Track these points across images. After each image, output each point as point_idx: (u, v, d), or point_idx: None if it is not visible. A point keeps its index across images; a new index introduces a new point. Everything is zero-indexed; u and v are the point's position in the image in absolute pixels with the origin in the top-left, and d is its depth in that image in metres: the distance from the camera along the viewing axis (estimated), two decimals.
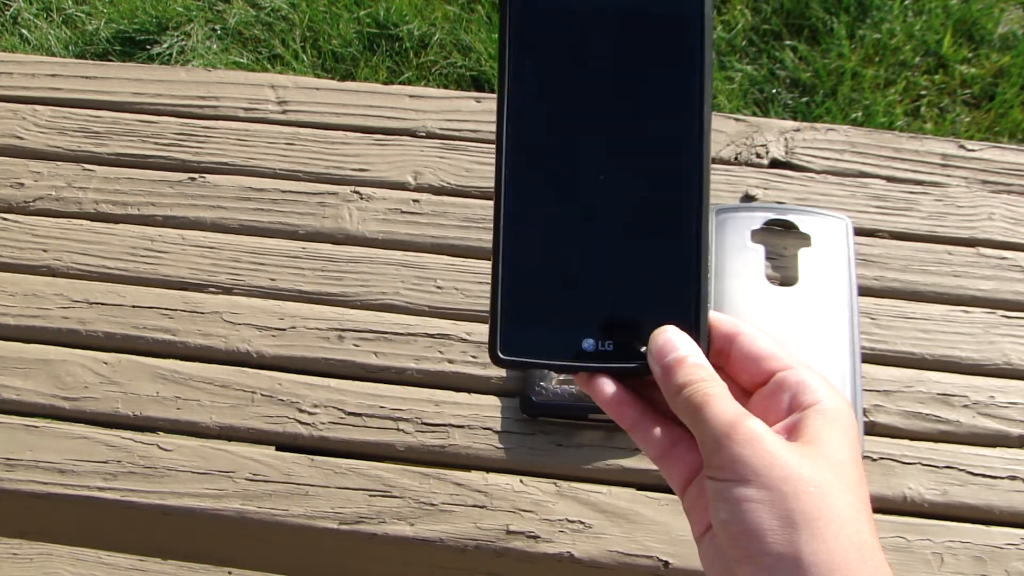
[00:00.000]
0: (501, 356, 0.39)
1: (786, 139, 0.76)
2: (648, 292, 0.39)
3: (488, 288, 0.39)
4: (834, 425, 0.36)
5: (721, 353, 0.39)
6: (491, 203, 0.72)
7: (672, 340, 0.38)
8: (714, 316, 0.40)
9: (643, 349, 0.38)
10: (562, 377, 0.63)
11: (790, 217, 0.70)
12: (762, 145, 0.76)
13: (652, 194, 0.39)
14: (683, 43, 0.39)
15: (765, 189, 0.73)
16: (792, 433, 0.36)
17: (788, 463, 0.34)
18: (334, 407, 0.64)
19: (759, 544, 0.33)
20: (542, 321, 0.39)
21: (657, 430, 0.39)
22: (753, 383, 0.39)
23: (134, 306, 0.69)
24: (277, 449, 0.63)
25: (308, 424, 0.64)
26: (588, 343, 0.39)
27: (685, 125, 0.39)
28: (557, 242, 0.39)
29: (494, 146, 0.39)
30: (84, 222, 0.74)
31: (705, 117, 0.39)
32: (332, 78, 1.60)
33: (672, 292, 0.39)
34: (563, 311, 0.39)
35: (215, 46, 1.73)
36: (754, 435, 0.35)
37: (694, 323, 0.38)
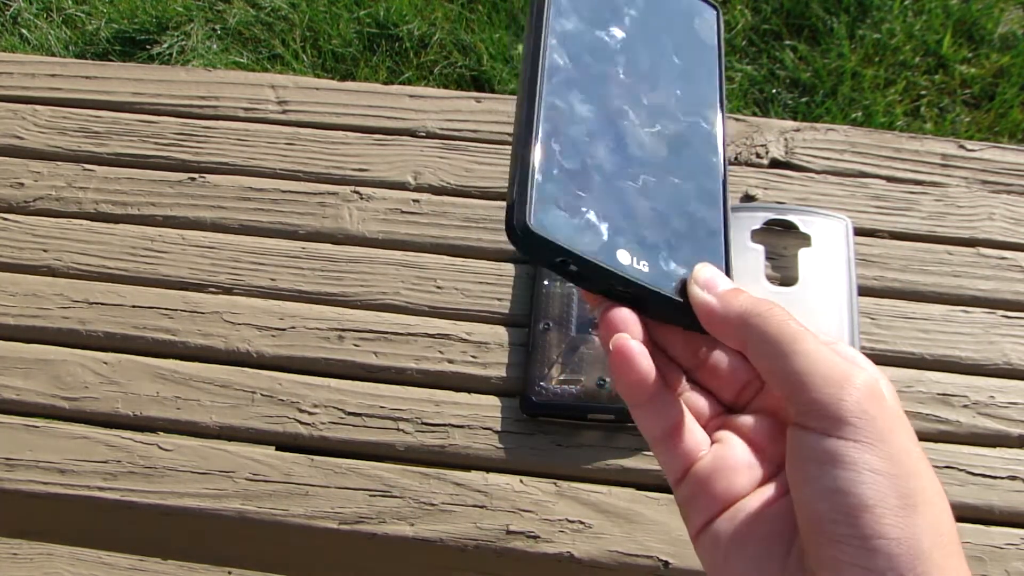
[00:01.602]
0: (531, 227, 0.32)
1: (786, 139, 0.76)
2: (684, 227, 0.36)
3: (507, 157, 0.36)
4: (899, 400, 0.33)
5: None
6: (492, 203, 0.72)
7: (718, 274, 0.35)
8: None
9: (679, 284, 0.34)
10: (562, 376, 0.63)
11: (790, 217, 0.70)
12: (762, 145, 0.76)
13: (684, 141, 0.38)
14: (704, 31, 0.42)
15: (765, 189, 0.73)
16: None
17: (905, 433, 0.30)
18: (334, 407, 0.64)
19: (875, 524, 0.28)
20: (582, 208, 0.34)
21: (671, 402, 0.34)
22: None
23: (134, 306, 0.69)
24: (277, 449, 0.63)
25: (308, 424, 0.64)
26: (624, 255, 0.34)
27: (709, 93, 0.40)
28: (603, 140, 0.36)
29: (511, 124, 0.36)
30: (84, 222, 0.74)
31: (721, 91, 0.40)
32: (332, 78, 1.59)
33: (705, 235, 0.37)
34: (605, 205, 0.34)
35: (215, 46, 1.73)
36: (876, 388, 0.31)
37: (725, 269, 0.36)
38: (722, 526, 0.33)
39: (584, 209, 0.34)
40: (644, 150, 0.37)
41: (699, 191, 0.37)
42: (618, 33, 0.39)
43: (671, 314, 0.34)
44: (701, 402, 0.36)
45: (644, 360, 0.33)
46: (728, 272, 0.35)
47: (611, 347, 0.33)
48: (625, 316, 0.33)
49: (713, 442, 0.35)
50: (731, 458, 0.34)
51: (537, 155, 0.33)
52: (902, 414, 0.31)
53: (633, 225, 0.35)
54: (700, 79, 0.40)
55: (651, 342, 0.35)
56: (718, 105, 0.40)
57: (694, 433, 0.34)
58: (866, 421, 0.29)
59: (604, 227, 0.34)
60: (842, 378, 0.30)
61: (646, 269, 0.34)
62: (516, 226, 0.32)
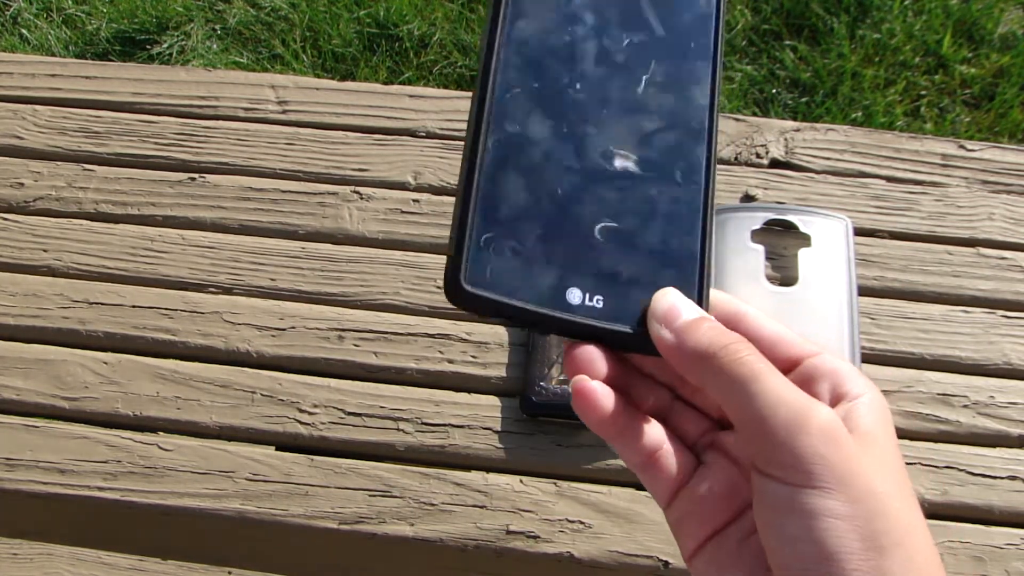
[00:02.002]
0: (466, 288, 0.31)
1: (786, 139, 0.76)
2: (648, 247, 0.33)
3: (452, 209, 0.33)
4: (884, 420, 0.31)
5: None
6: None
7: (679, 302, 0.32)
8: (713, 292, 0.34)
9: (639, 313, 0.32)
10: (562, 376, 0.63)
11: (790, 217, 0.70)
12: (762, 145, 0.76)
13: (658, 144, 0.34)
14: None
15: (765, 189, 0.73)
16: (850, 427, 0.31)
17: (867, 470, 0.29)
18: (334, 407, 0.64)
19: (839, 571, 0.28)
20: (522, 255, 0.32)
21: (645, 431, 0.33)
22: (780, 366, 0.33)
23: (134, 306, 0.69)
24: (277, 449, 0.64)
25: (308, 424, 0.64)
26: (574, 294, 0.32)
27: (696, 72, 0.35)
28: (549, 170, 0.33)
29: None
30: (84, 222, 0.74)
31: (717, 66, 0.35)
32: (332, 78, 1.59)
33: (675, 254, 0.33)
34: (549, 246, 0.32)
35: (215, 46, 1.73)
36: (832, 428, 0.29)
37: (697, 292, 0.33)
38: (711, 553, 0.32)
39: (527, 253, 0.32)
40: (610, 162, 0.34)
41: (675, 204, 0.34)
42: (588, 16, 0.35)
43: (636, 346, 0.32)
44: (689, 420, 0.35)
45: (604, 400, 0.32)
46: (701, 295, 0.33)
47: (570, 389, 0.32)
48: (586, 355, 0.32)
49: (701, 463, 0.34)
50: (717, 482, 0.33)
51: (476, 200, 0.32)
52: (873, 445, 0.30)
53: (588, 257, 0.33)
54: (688, 67, 0.36)
55: (630, 365, 0.34)
56: (708, 99, 0.35)
57: (678, 457, 0.33)
58: (823, 467, 0.29)
59: (551, 268, 0.32)
60: (798, 423, 0.29)
61: (600, 305, 0.32)
62: (449, 288, 0.31)
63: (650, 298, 0.32)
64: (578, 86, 0.34)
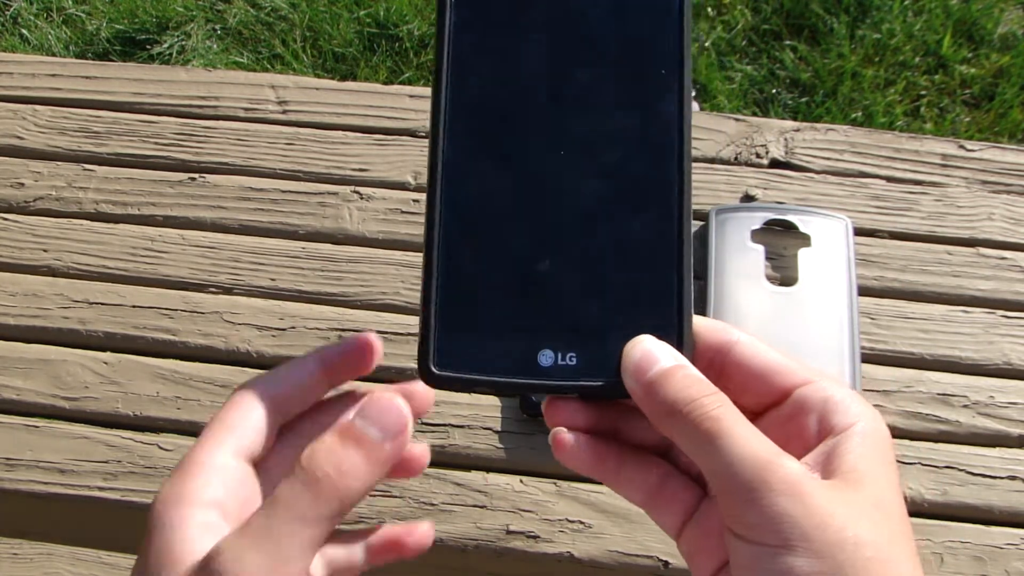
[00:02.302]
0: (435, 371, 0.31)
1: (786, 139, 0.76)
2: (619, 294, 0.32)
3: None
4: (875, 452, 0.30)
5: (712, 367, 0.32)
6: None
7: (652, 351, 0.31)
8: (700, 322, 0.33)
9: (616, 362, 0.31)
10: None
11: (790, 217, 0.70)
12: (762, 145, 0.76)
13: (621, 177, 0.32)
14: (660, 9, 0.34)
15: (765, 189, 0.73)
16: (828, 466, 0.30)
17: (838, 520, 0.28)
18: None
19: None
20: (488, 327, 0.32)
21: (644, 468, 0.32)
22: (761, 403, 0.32)
23: (134, 306, 0.69)
24: None
25: None
26: (546, 356, 0.31)
27: (660, 97, 0.33)
28: (507, 230, 0.32)
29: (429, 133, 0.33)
30: (84, 222, 0.74)
31: (685, 88, 0.33)
32: (332, 78, 1.60)
33: (648, 295, 0.32)
34: (515, 313, 0.32)
35: (215, 46, 1.73)
36: (797, 482, 0.28)
37: (676, 332, 0.31)
38: None
39: (494, 325, 0.32)
40: (572, 209, 0.32)
41: (645, 242, 0.32)
42: (540, 34, 0.33)
43: (615, 394, 0.31)
44: None
45: (583, 452, 0.32)
46: (682, 335, 0.31)
47: (549, 441, 0.32)
48: (564, 407, 0.32)
49: (707, 496, 0.33)
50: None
51: (436, 279, 0.32)
52: (857, 486, 0.29)
53: (557, 316, 0.32)
54: (651, 85, 0.33)
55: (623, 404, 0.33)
56: (676, 114, 0.33)
57: (682, 491, 0.33)
58: (788, 524, 0.28)
59: (520, 335, 0.32)
60: (761, 480, 0.28)
61: (573, 362, 0.31)
62: (421, 371, 0.32)
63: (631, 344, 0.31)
64: (530, 131, 0.33)
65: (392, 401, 0.31)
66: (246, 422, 0.33)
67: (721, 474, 0.29)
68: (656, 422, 0.30)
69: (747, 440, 0.29)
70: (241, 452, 0.33)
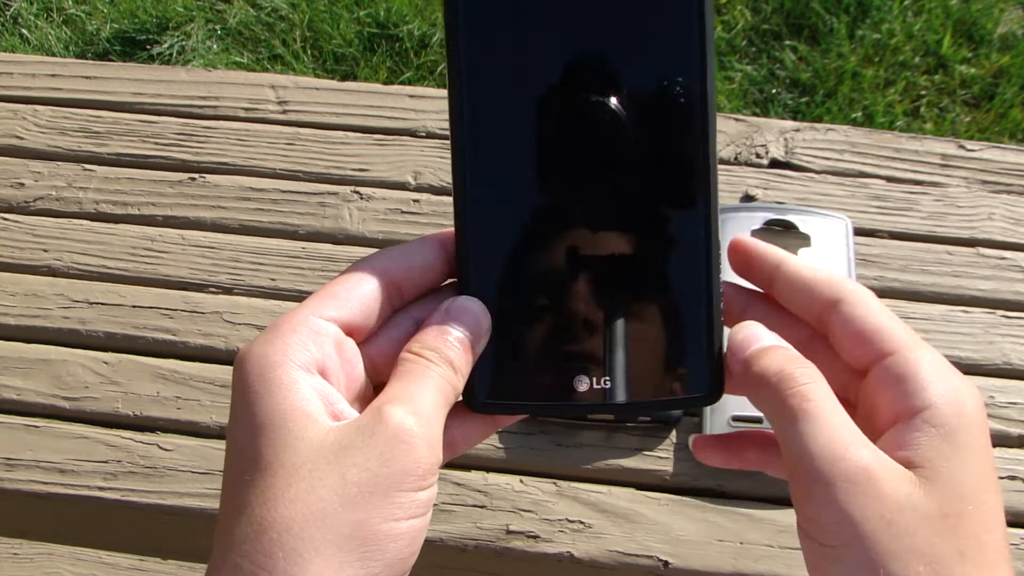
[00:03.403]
0: (483, 401, 0.33)
1: (786, 139, 0.76)
2: (654, 324, 0.33)
3: None
4: (954, 440, 0.27)
5: (820, 324, 0.32)
6: None
7: (756, 332, 0.31)
8: (812, 270, 0.32)
9: (642, 386, 0.33)
10: None
11: (790, 217, 0.70)
12: (762, 145, 0.76)
13: (659, 203, 0.33)
14: (681, 47, 0.32)
15: (765, 189, 0.73)
16: (903, 456, 0.28)
17: (901, 524, 0.26)
18: None
19: None
20: (530, 357, 0.33)
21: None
22: (859, 364, 0.31)
23: (134, 306, 0.69)
24: None
25: None
26: (581, 382, 0.33)
27: (690, 140, 0.33)
28: (540, 259, 0.33)
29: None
30: (84, 222, 0.74)
31: (710, 128, 0.33)
32: (332, 78, 1.60)
33: (685, 324, 0.33)
34: (552, 344, 0.33)
35: (215, 46, 1.73)
36: (865, 477, 0.26)
37: (707, 371, 0.33)
38: None
39: (532, 358, 0.33)
40: (601, 243, 0.33)
41: (675, 267, 0.33)
42: (558, 59, 0.32)
43: (638, 413, 0.34)
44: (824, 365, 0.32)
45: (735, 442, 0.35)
46: (714, 372, 0.32)
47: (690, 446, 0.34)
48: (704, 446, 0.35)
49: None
50: None
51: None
52: (929, 480, 0.27)
53: (592, 347, 0.33)
54: (677, 106, 0.33)
55: (772, 306, 0.33)
56: (706, 145, 0.33)
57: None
58: (847, 524, 0.26)
59: (556, 365, 0.33)
60: (826, 472, 0.27)
61: (608, 385, 0.33)
62: (471, 405, 0.33)
63: (661, 366, 0.33)
64: (560, 166, 0.33)
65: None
66: (352, 293, 0.32)
67: (792, 460, 0.28)
68: (751, 396, 0.31)
69: (828, 421, 0.28)
70: (342, 322, 0.31)
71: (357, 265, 0.32)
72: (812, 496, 0.27)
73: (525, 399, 0.33)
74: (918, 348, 0.30)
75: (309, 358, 0.30)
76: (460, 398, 0.33)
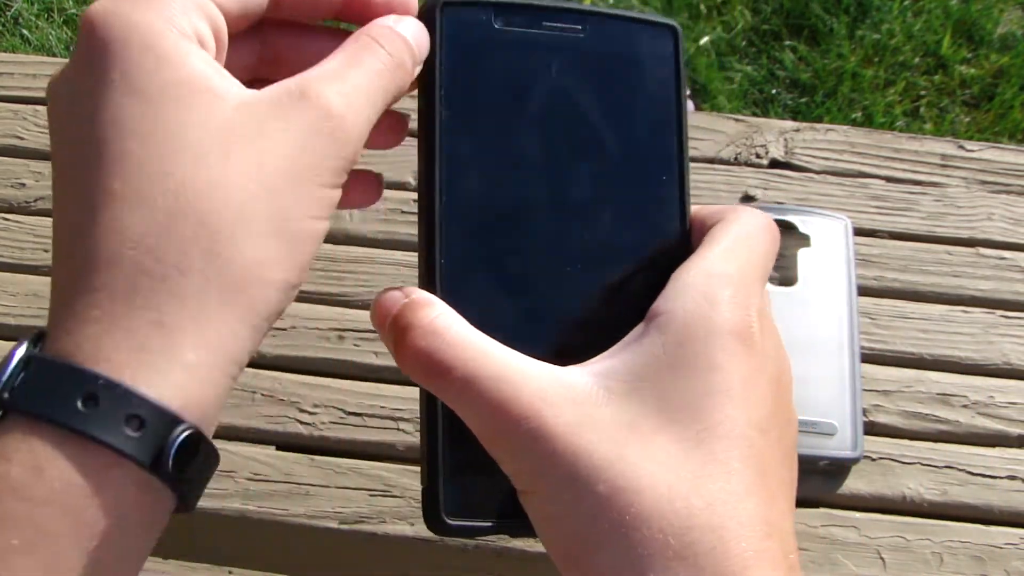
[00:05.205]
0: (448, 522, 0.28)
1: (786, 139, 0.76)
2: None
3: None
4: (687, 345, 0.24)
5: None
6: None
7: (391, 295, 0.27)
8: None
9: None
10: None
11: (790, 217, 0.70)
12: (762, 145, 0.76)
13: (633, 261, 0.32)
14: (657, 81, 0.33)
15: (765, 189, 0.73)
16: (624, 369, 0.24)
17: (581, 446, 0.22)
18: (334, 407, 0.65)
19: None
20: (496, 471, 0.27)
21: None
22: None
23: None
24: (277, 449, 0.64)
25: (308, 424, 0.64)
26: None
27: (666, 186, 0.32)
28: (513, 322, 0.31)
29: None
30: None
31: (683, 137, 0.33)
32: None
33: None
34: None
35: None
36: (526, 390, 0.23)
37: None
38: None
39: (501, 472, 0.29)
40: (576, 306, 0.31)
41: None
42: (534, 106, 0.32)
43: None
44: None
45: None
46: None
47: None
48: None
49: None
50: None
51: (442, 425, 0.29)
52: (592, 410, 0.24)
53: None
54: (652, 155, 0.32)
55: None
56: (677, 199, 0.32)
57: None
58: (522, 454, 0.24)
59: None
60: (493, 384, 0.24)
61: None
62: (430, 521, 0.29)
63: None
64: (540, 171, 0.32)
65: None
66: None
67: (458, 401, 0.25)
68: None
69: (460, 336, 0.25)
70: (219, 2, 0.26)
71: None
72: (506, 432, 0.24)
73: (499, 518, 0.29)
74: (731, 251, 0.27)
75: (193, 30, 0.25)
76: (400, 95, 0.27)
